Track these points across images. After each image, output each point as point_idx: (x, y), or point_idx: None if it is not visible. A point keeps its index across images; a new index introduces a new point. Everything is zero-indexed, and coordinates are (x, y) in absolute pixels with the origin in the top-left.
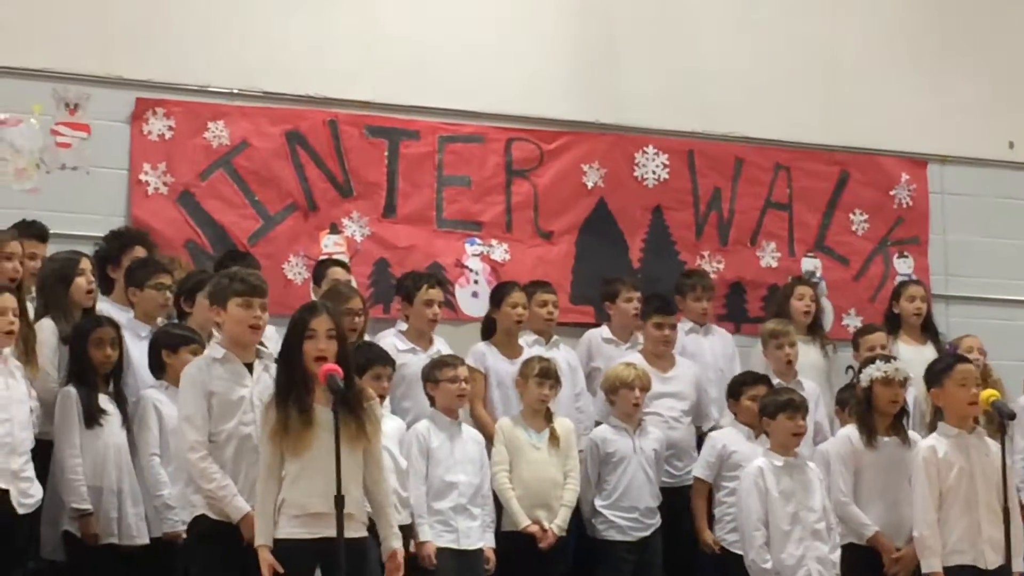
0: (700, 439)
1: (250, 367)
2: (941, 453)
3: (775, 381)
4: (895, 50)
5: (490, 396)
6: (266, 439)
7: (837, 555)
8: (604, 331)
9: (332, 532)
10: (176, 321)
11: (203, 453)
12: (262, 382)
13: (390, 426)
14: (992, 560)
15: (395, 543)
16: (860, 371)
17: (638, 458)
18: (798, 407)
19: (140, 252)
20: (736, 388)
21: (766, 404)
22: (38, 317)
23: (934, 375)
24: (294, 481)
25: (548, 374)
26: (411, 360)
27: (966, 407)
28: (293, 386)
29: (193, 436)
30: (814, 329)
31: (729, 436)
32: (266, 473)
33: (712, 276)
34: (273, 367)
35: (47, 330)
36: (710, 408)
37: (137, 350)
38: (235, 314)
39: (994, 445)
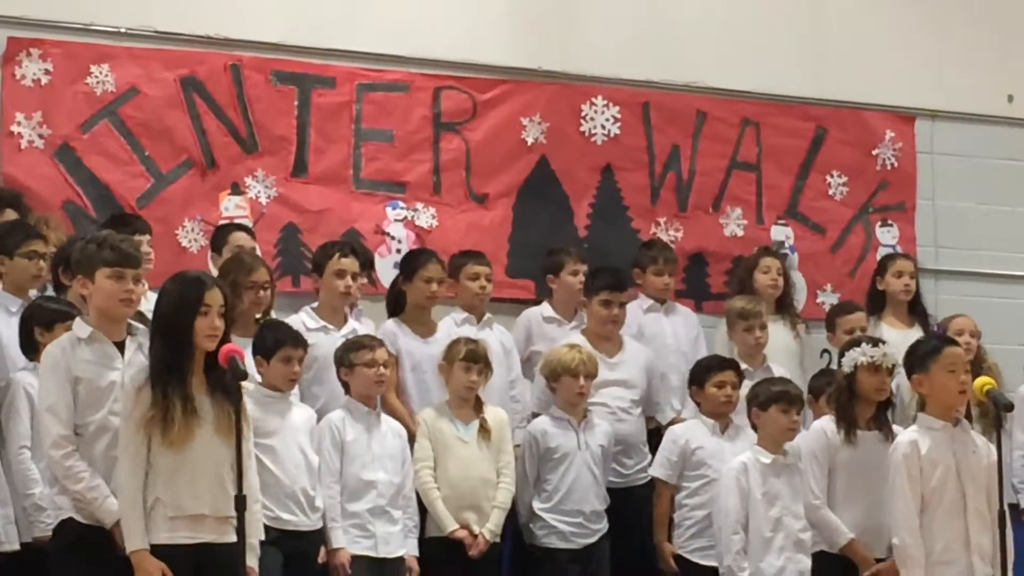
0: (652, 433)
1: (121, 347)
2: (924, 449)
3: (742, 366)
4: None
5: (403, 382)
6: (134, 427)
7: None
8: (545, 309)
9: (211, 537)
10: (53, 294)
11: (68, 449)
12: (135, 364)
13: (300, 416)
14: (982, 572)
15: (252, 560)
16: (842, 354)
17: (583, 455)
18: (793, 400)
19: (11, 215)
20: (700, 374)
21: (757, 393)
22: None
23: (918, 359)
24: (171, 477)
25: (476, 358)
26: (322, 340)
27: (954, 396)
28: (176, 369)
29: (56, 430)
30: (783, 307)
31: (692, 430)
32: (132, 466)
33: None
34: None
35: None
36: (668, 398)
37: (6, 327)
38: (104, 286)
39: (980, 440)
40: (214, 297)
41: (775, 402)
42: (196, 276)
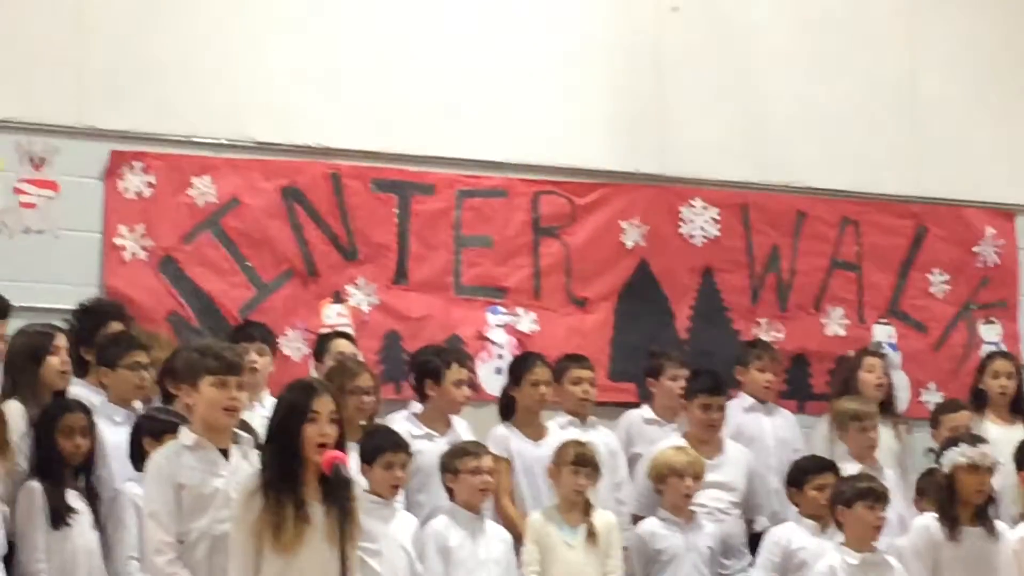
0: (753, 536)
1: (226, 454)
2: None
3: (854, 468)
4: (980, 87)
5: (516, 486)
6: (246, 533)
7: None
8: (645, 411)
9: None
10: (160, 404)
11: (171, 556)
12: (240, 471)
13: (403, 524)
14: None
15: None
16: (941, 453)
17: (691, 556)
18: (879, 496)
19: (116, 327)
20: (799, 476)
21: (842, 491)
22: (5, 397)
23: None
24: None
25: (585, 461)
26: (427, 447)
27: None
28: (287, 476)
29: (159, 536)
30: (885, 407)
31: (793, 531)
32: (241, 571)
33: None
34: (254, 454)
35: (15, 413)
36: (767, 499)
37: (113, 437)
38: (208, 395)
39: None
40: (323, 404)
41: (861, 499)
42: (306, 383)
